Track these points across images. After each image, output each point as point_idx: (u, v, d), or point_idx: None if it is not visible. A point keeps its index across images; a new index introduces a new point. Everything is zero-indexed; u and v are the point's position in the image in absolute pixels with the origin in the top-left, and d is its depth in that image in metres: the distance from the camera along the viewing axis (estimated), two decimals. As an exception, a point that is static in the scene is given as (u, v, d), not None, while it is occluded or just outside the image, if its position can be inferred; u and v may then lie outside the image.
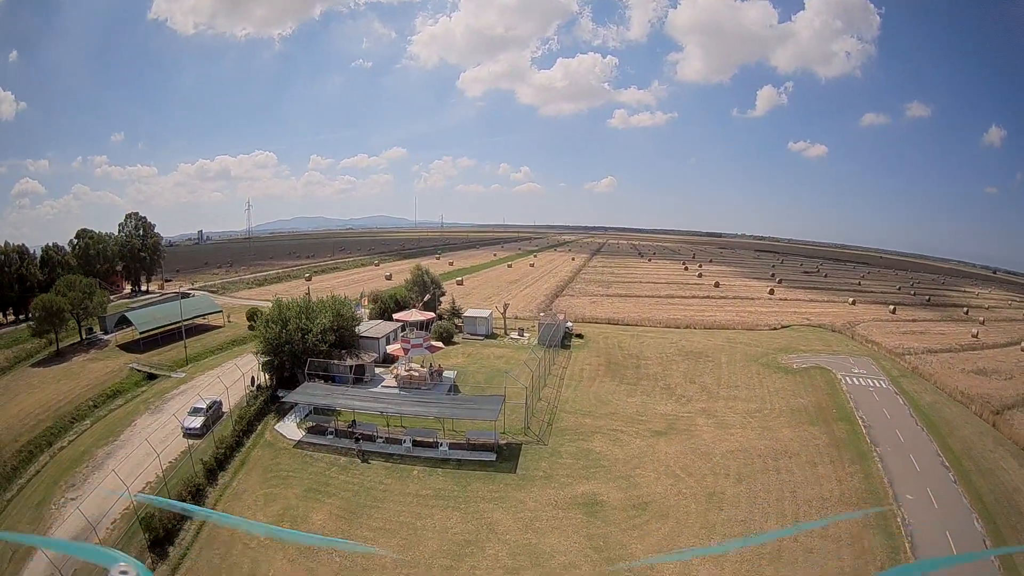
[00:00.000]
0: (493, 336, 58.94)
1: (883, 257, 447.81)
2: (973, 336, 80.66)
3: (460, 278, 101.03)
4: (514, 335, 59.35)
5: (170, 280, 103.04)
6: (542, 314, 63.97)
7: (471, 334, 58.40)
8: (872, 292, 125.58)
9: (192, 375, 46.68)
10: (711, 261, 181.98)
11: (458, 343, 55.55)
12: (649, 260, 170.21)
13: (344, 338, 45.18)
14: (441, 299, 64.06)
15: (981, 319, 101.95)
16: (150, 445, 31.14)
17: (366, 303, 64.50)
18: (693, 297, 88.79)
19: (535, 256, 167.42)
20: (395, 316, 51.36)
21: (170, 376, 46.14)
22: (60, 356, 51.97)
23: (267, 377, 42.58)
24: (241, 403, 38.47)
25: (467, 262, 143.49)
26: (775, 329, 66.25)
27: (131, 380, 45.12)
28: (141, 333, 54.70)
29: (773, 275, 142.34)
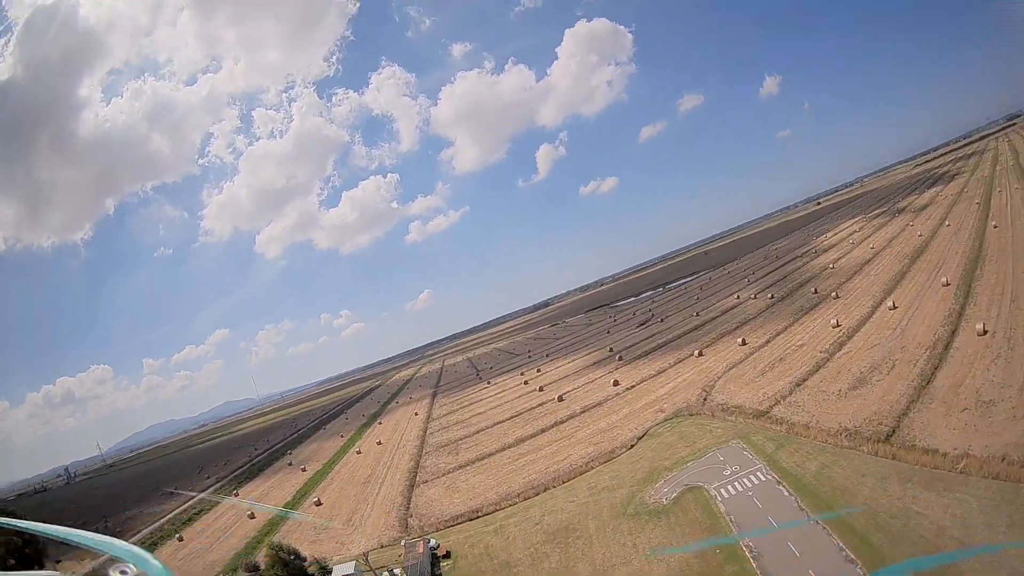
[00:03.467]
0: (366, 587, 54.08)
1: (708, 253, 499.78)
2: (835, 327, 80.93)
3: (317, 497, 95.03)
4: (385, 576, 54.37)
5: (60, 561, 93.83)
6: (404, 542, 61.05)
7: (343, 594, 53.60)
8: (714, 320, 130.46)
9: None
10: (547, 356, 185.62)
11: (336, 612, 50.67)
12: (488, 382, 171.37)
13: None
14: (305, 563, 59.13)
15: (834, 293, 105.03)
16: None
17: None
18: (542, 432, 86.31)
19: (380, 422, 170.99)
20: None
21: None
22: None
23: None
24: None
25: (319, 459, 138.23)
26: (633, 446, 65.59)
27: None
28: None
29: (611, 349, 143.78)
